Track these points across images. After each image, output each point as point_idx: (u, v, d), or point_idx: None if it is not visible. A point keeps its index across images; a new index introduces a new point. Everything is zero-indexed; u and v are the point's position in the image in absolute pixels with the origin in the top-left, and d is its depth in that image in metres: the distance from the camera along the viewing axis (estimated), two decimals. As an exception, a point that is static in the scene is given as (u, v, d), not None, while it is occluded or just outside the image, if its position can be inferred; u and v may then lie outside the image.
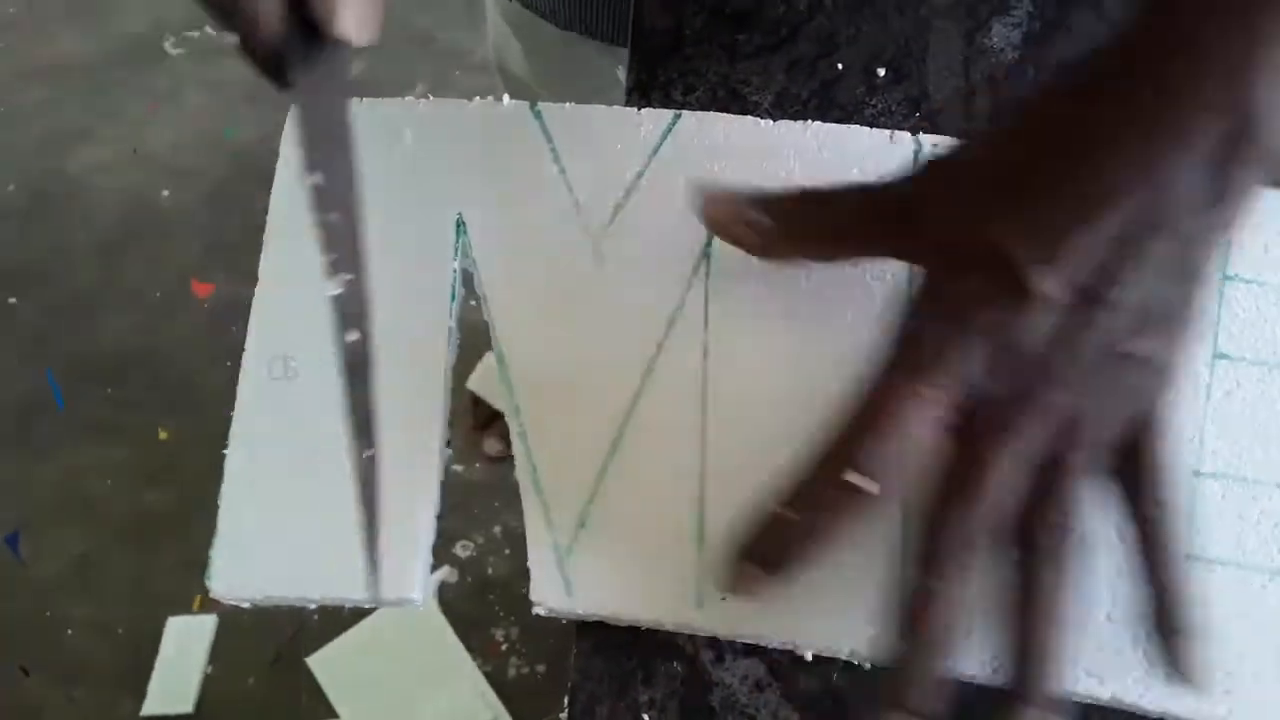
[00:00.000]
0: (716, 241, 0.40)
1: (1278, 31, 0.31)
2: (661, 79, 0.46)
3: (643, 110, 0.43)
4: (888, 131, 0.42)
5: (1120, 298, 0.32)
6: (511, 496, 0.39)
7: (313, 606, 0.38)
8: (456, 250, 0.42)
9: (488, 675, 1.25)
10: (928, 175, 0.35)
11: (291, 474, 0.39)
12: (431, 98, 0.44)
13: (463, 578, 1.31)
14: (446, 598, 1.29)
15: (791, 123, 0.42)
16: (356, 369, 0.33)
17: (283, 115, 0.41)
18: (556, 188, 0.42)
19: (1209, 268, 0.33)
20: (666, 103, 0.45)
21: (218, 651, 1.28)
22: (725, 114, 0.42)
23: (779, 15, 0.47)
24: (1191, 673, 0.34)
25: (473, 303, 0.42)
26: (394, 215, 0.42)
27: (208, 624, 1.29)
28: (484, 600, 1.29)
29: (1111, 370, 0.33)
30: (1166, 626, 0.34)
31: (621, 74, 0.47)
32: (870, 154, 0.42)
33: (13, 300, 1.43)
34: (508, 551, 1.32)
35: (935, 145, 0.42)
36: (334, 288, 0.32)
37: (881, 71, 0.45)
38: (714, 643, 0.37)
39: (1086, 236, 0.32)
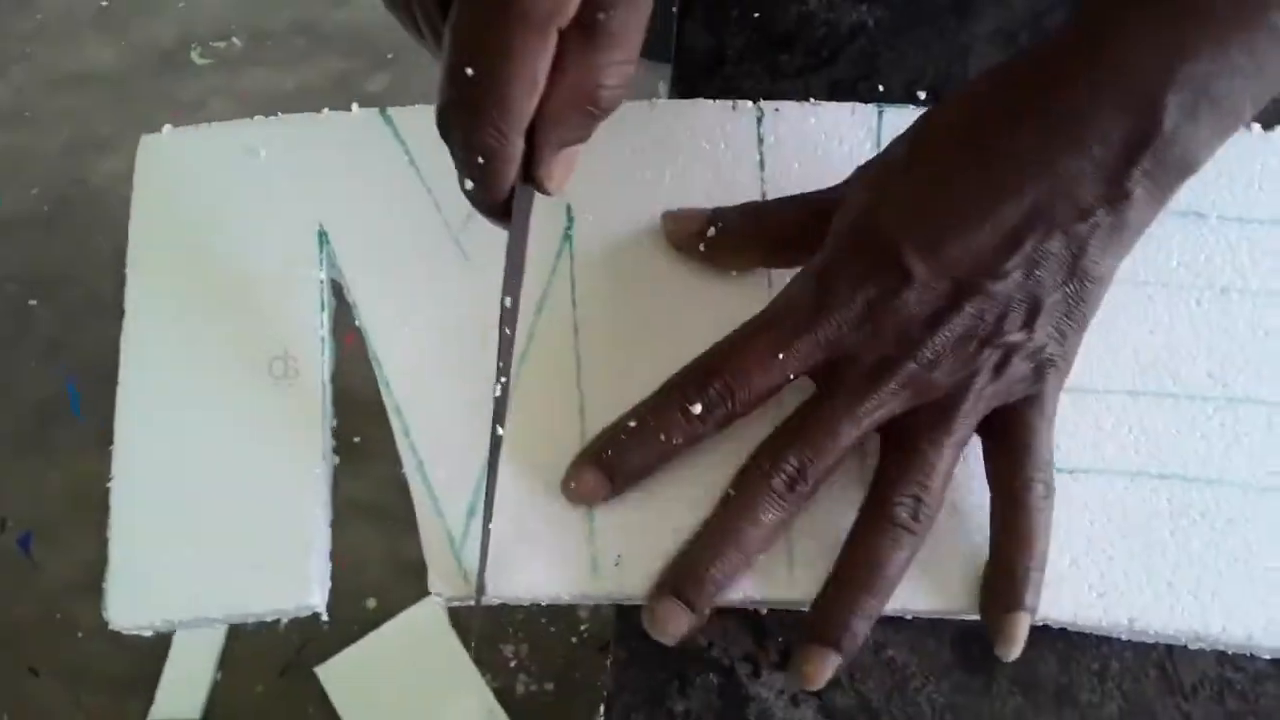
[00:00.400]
0: (576, 224, 0.42)
1: (1200, 45, 0.32)
2: (703, 97, 0.46)
3: None
4: (731, 102, 0.44)
5: (1003, 290, 0.34)
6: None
7: (219, 621, 0.39)
8: (321, 261, 0.42)
9: (496, 691, 1.25)
10: (853, 178, 0.38)
11: (177, 497, 0.40)
12: (281, 115, 0.45)
13: (473, 592, 1.31)
14: (457, 612, 1.28)
15: (637, 102, 0.43)
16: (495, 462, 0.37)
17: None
18: (414, 188, 0.43)
19: (1102, 271, 0.35)
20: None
21: (226, 659, 1.28)
22: None
23: (820, 36, 0.47)
24: (1013, 646, 0.35)
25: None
26: (255, 232, 0.43)
27: (217, 632, 1.28)
28: (493, 616, 1.29)
29: (988, 356, 0.35)
30: (1004, 602, 0.35)
31: (663, 89, 0.47)
32: (716, 125, 0.43)
33: (33, 303, 1.44)
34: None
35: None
36: (496, 390, 0.36)
37: (922, 95, 0.46)
38: (750, 655, 0.37)
39: (972, 231, 0.34)
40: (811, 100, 0.44)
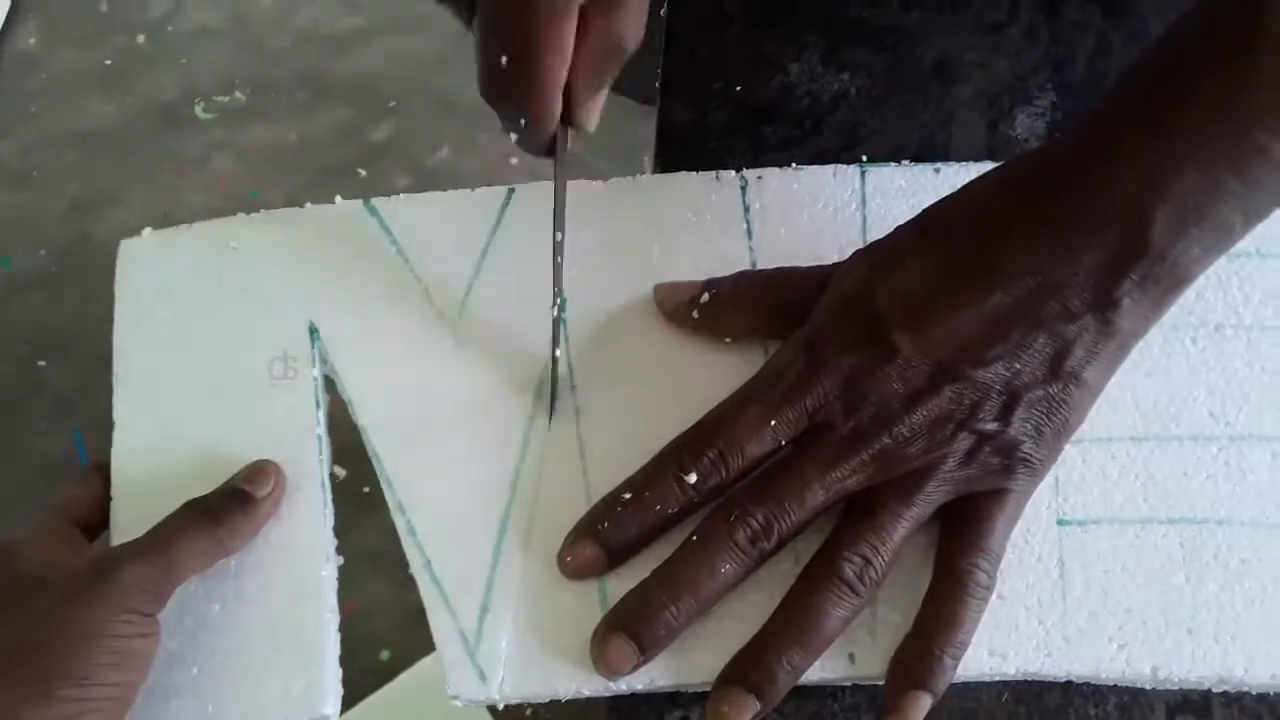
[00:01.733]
0: (570, 305, 0.42)
1: (1191, 164, 0.33)
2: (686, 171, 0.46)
3: (477, 190, 0.44)
4: (715, 173, 0.44)
5: (983, 379, 0.35)
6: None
7: None
8: (314, 358, 0.42)
9: (498, 714, 1.24)
10: (850, 258, 0.39)
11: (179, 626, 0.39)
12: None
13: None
14: (471, 661, 1.28)
15: (620, 179, 0.44)
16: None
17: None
18: (403, 278, 0.43)
19: (1088, 376, 0.35)
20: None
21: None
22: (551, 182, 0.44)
23: (803, 108, 0.47)
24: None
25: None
26: (244, 332, 0.42)
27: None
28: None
29: (960, 442, 0.35)
30: (912, 680, 0.35)
31: (648, 164, 0.47)
32: (700, 196, 0.44)
33: (42, 363, 1.45)
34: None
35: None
36: (554, 311, 0.39)
37: (905, 164, 0.46)
38: None
39: (960, 316, 0.35)
40: (794, 165, 0.44)
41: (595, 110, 0.37)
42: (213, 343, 0.42)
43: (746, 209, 0.43)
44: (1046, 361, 0.35)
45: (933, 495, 0.36)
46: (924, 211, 0.38)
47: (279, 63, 1.62)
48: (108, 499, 0.41)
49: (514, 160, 1.58)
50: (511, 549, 0.38)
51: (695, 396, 0.39)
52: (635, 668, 0.36)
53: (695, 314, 0.40)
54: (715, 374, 0.40)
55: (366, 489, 0.45)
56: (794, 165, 0.44)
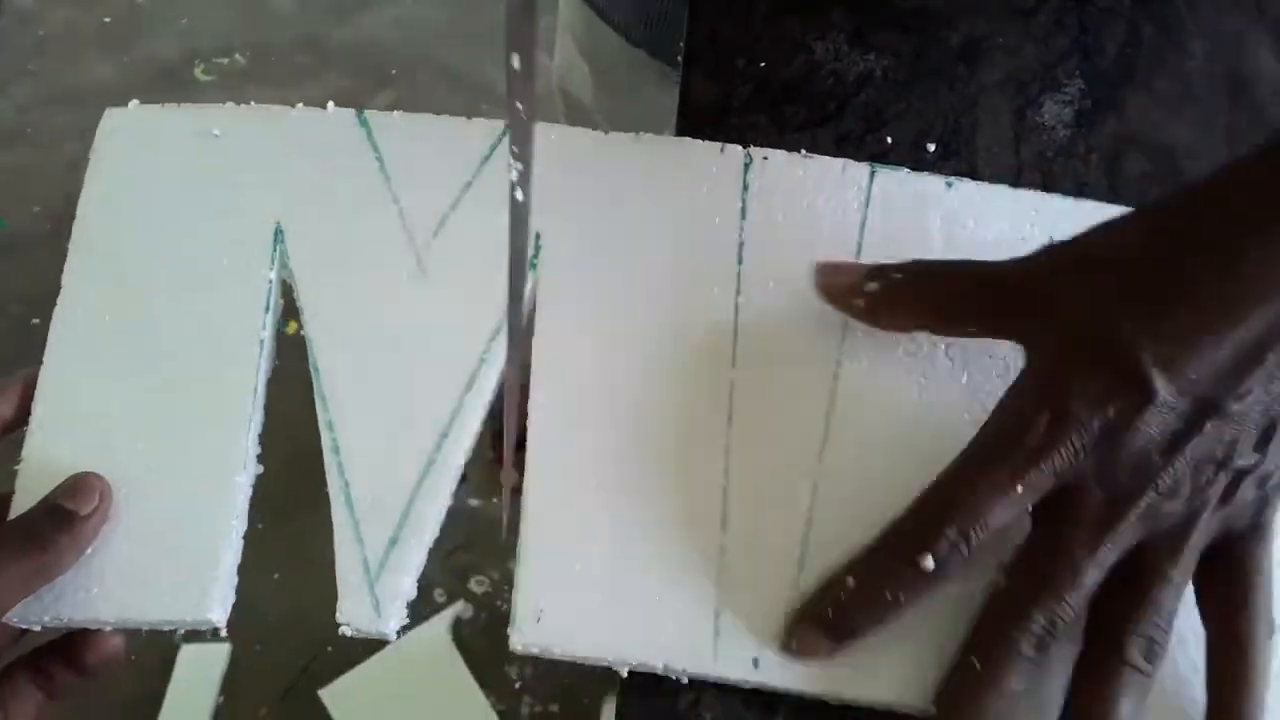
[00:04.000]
0: (543, 253, 0.40)
1: None
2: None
3: (474, 119, 0.42)
4: (720, 145, 0.42)
5: (1241, 410, 0.32)
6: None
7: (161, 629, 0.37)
8: (274, 259, 0.41)
9: (501, 713, 1.24)
10: (1056, 261, 0.35)
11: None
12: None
13: (477, 614, 1.30)
14: (461, 634, 1.28)
15: (622, 135, 0.42)
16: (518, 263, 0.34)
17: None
18: (381, 197, 0.41)
19: None
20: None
21: (230, 681, 1.27)
22: (558, 124, 0.43)
23: (827, 89, 0.47)
24: None
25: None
26: (208, 221, 0.41)
27: (220, 653, 1.28)
28: (498, 637, 1.28)
29: (1219, 482, 0.32)
30: None
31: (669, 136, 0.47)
32: (700, 166, 0.42)
33: (36, 321, 1.43)
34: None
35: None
36: (513, 173, 0.33)
37: (931, 147, 0.45)
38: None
39: (1216, 344, 0.31)
40: (803, 152, 0.43)
41: None
42: (176, 227, 0.41)
43: (746, 188, 0.42)
44: None
45: (1195, 547, 0.33)
46: (1135, 219, 0.35)
47: (281, 27, 1.61)
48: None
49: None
50: (436, 489, 0.37)
51: (656, 349, 0.38)
52: None
53: (861, 302, 0.37)
54: (677, 332, 0.39)
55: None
56: (804, 151, 0.43)
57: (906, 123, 0.46)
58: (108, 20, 1.63)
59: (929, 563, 0.32)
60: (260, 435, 0.39)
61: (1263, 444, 0.32)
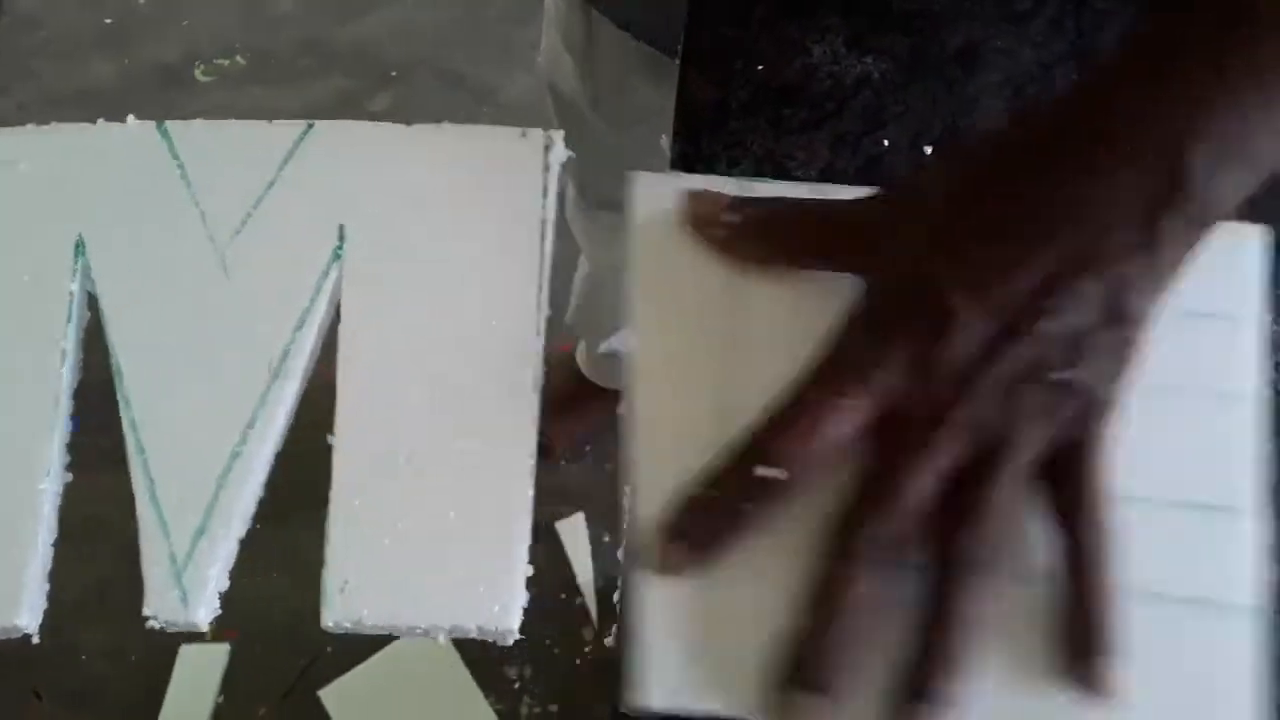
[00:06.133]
0: (348, 244, 0.42)
1: (1220, 103, 0.34)
2: (706, 151, 0.46)
3: (274, 122, 0.43)
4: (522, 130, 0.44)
5: (1046, 328, 0.34)
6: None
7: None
8: (75, 271, 0.41)
9: (500, 713, 1.25)
10: (882, 204, 0.38)
11: None
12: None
13: (477, 614, 1.30)
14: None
15: (424, 126, 0.43)
16: None
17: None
18: (182, 202, 0.42)
19: (1145, 308, 0.35)
20: (710, 174, 0.45)
21: (229, 681, 1.28)
22: (359, 121, 0.43)
23: (825, 90, 0.47)
24: (1110, 692, 0.35)
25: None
26: (11, 240, 0.42)
27: (220, 653, 1.28)
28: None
29: (1038, 396, 0.35)
30: (1091, 648, 0.35)
31: (665, 142, 0.47)
32: (502, 151, 0.43)
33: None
34: (524, 589, 1.31)
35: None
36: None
37: (928, 149, 0.45)
38: None
39: (1015, 270, 0.35)
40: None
41: None
42: None
43: (547, 168, 0.43)
44: (1103, 302, 0.35)
45: (1022, 458, 0.35)
46: (944, 154, 0.38)
47: (281, 28, 1.61)
48: None
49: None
50: (243, 479, 0.38)
51: (463, 331, 0.40)
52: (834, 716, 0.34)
53: (720, 232, 0.39)
54: (485, 311, 0.41)
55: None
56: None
57: (904, 124, 0.46)
58: (108, 21, 1.63)
59: (771, 471, 0.35)
60: (67, 444, 0.40)
61: (1073, 360, 0.35)
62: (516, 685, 1.26)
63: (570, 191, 0.91)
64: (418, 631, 0.38)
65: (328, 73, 1.58)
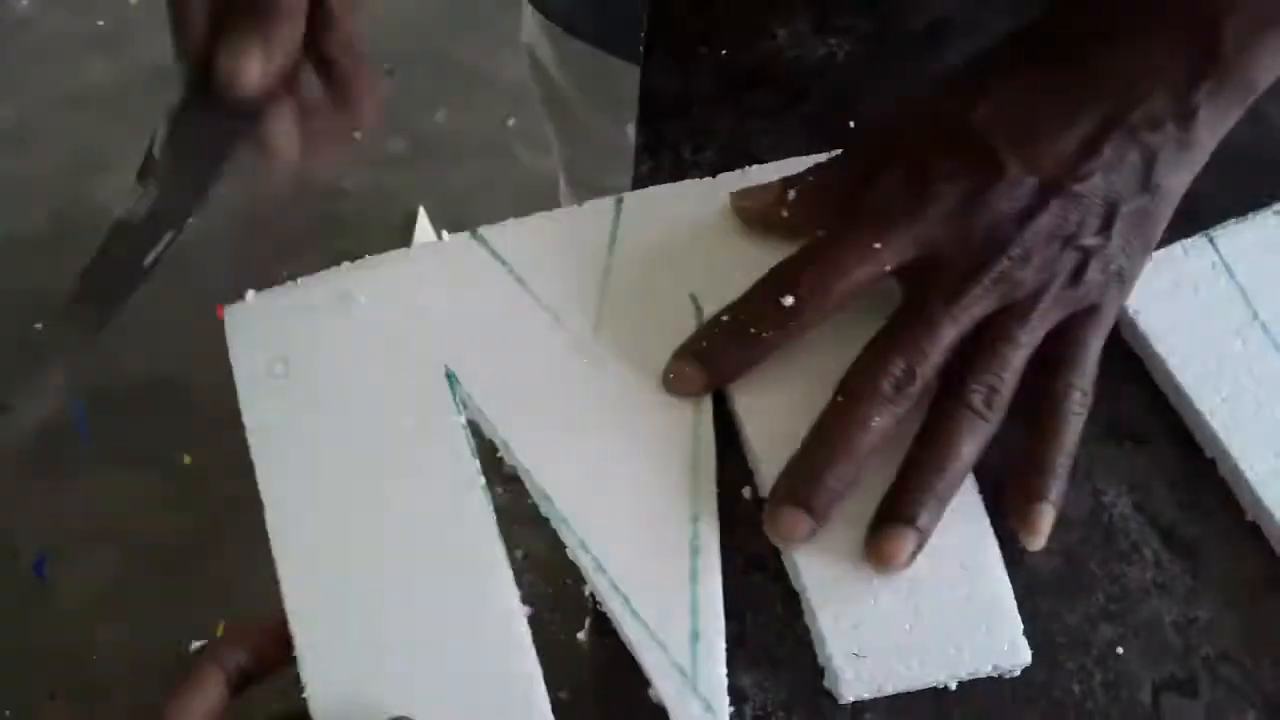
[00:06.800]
0: (704, 304, 0.40)
1: None
2: (670, 139, 0.45)
3: (584, 205, 0.42)
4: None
5: (1085, 191, 0.36)
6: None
7: None
8: (456, 406, 0.39)
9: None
10: (926, 95, 0.40)
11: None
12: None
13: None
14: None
15: (729, 173, 0.42)
16: None
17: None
18: (528, 308, 0.41)
19: (1171, 187, 0.37)
20: (676, 162, 0.45)
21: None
22: (658, 186, 0.42)
23: (790, 72, 0.46)
24: (1038, 537, 0.36)
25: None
26: (381, 385, 0.40)
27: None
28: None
29: (1067, 258, 0.36)
30: (1031, 494, 0.36)
31: (630, 132, 0.47)
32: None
33: (38, 326, 1.44)
34: (527, 578, 1.31)
35: None
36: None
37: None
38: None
39: (1061, 132, 0.36)
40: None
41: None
42: (348, 402, 0.39)
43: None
44: (1137, 173, 0.36)
45: (1045, 316, 0.36)
46: (1001, 47, 0.39)
47: (274, 24, 1.60)
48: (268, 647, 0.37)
49: (511, 122, 1.57)
50: (707, 567, 0.37)
51: (835, 352, 0.38)
52: (809, 535, 0.36)
53: (785, 213, 0.40)
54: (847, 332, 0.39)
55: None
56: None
57: (869, 104, 0.45)
58: (101, 23, 1.63)
59: (789, 300, 0.36)
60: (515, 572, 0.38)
61: (1105, 228, 0.36)
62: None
63: (560, 180, 0.90)
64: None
65: (322, 66, 1.57)
